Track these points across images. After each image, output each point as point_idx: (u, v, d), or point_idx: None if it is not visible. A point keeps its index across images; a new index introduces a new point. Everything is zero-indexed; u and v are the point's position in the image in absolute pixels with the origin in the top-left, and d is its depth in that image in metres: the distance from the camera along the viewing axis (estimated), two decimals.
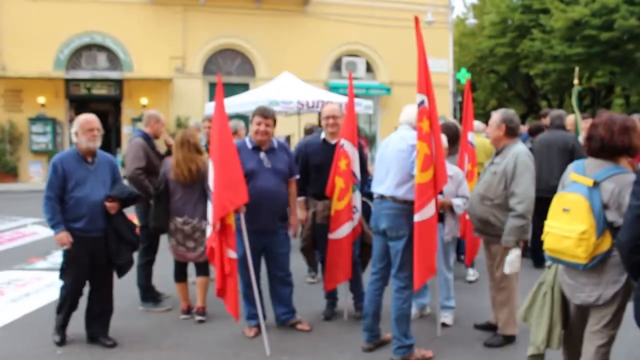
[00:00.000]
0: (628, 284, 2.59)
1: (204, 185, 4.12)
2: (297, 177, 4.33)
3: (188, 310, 4.53)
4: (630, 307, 2.70)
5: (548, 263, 2.89)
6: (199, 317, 4.44)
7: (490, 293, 4.06)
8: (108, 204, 3.85)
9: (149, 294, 4.79)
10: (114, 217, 3.89)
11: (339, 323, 4.37)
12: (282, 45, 17.27)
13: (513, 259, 3.62)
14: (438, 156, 3.45)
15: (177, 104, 16.60)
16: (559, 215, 2.63)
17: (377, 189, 3.71)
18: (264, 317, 3.99)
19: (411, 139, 3.53)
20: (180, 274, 4.55)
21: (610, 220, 2.54)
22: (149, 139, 4.81)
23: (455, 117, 19.07)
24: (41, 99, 15.96)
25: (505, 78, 26.94)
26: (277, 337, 4.01)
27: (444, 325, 4.17)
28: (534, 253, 5.95)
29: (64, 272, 3.89)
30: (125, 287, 5.14)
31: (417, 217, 3.39)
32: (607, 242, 2.54)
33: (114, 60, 16.77)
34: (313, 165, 4.36)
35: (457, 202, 4.14)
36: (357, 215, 4.13)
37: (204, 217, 4.14)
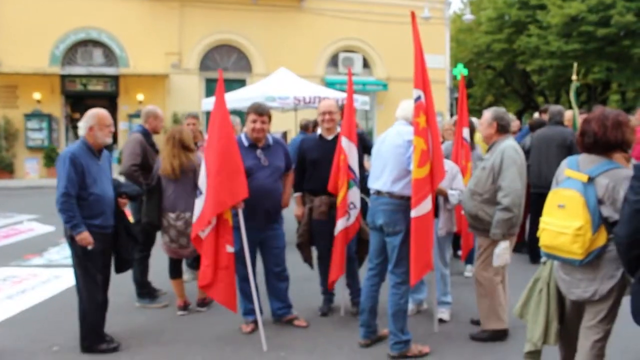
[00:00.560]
0: (623, 279, 2.60)
1: (195, 181, 4.10)
2: (293, 167, 4.35)
3: (184, 307, 4.53)
4: (625, 301, 2.71)
5: (543, 259, 2.89)
6: (200, 309, 4.48)
7: None
8: (122, 201, 3.86)
9: (145, 290, 4.79)
10: (121, 212, 3.89)
11: (336, 319, 4.38)
12: (279, 41, 17.24)
13: (500, 252, 3.63)
14: (435, 151, 3.44)
15: (173, 100, 16.55)
16: (554, 212, 2.63)
17: (373, 184, 3.71)
18: (261, 312, 3.99)
19: (407, 135, 3.52)
20: (175, 271, 4.54)
21: (605, 216, 2.54)
22: (147, 134, 4.79)
23: (451, 113, 19.09)
24: (37, 95, 15.93)
25: (502, 74, 26.97)
26: (274, 332, 4.02)
27: (440, 320, 4.18)
28: (531, 249, 5.96)
29: (86, 272, 3.72)
30: (121, 283, 5.13)
31: (413, 213, 3.39)
32: (602, 238, 2.55)
33: (109, 56, 16.70)
34: (309, 160, 4.35)
35: (452, 191, 4.16)
36: (355, 212, 4.11)
37: None
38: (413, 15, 3.50)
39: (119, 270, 3.97)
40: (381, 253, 3.70)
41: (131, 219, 4.79)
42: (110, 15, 16.15)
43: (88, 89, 16.65)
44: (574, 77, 7.30)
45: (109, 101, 17.18)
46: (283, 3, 17.48)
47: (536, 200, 5.69)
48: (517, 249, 5.34)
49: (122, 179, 4.45)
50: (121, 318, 4.36)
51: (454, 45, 23.85)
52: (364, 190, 4.10)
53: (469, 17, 20.26)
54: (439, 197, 4.10)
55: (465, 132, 4.86)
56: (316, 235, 4.36)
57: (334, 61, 18.43)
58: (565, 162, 2.79)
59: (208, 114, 14.46)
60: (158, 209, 4.34)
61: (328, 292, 4.53)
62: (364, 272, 3.97)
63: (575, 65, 7.72)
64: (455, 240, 5.21)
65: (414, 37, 3.44)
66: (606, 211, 2.54)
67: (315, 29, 17.66)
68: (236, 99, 9.68)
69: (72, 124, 17.40)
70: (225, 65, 17.44)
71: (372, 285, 3.75)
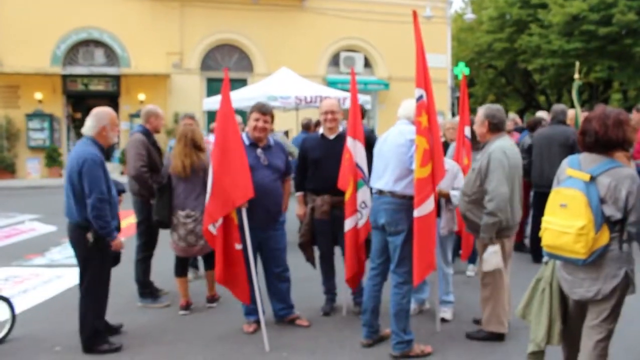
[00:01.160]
0: (626, 278, 2.61)
1: (205, 180, 4.13)
2: (292, 175, 4.36)
3: (187, 306, 4.53)
4: (628, 301, 2.71)
5: (545, 259, 2.88)
6: (209, 305, 4.54)
7: None
8: (119, 199, 3.93)
9: (147, 290, 4.78)
10: None
11: (338, 319, 4.37)
12: (280, 40, 17.24)
13: (487, 257, 3.62)
14: (436, 151, 3.44)
15: (174, 100, 16.57)
16: (557, 211, 2.62)
17: (375, 184, 3.70)
18: (263, 312, 3.98)
19: (409, 134, 3.52)
20: (181, 269, 4.56)
21: (607, 215, 2.54)
22: (149, 134, 4.78)
23: (453, 112, 19.08)
24: (38, 95, 15.95)
25: (504, 73, 26.93)
26: (276, 332, 4.01)
27: (443, 320, 4.17)
28: (533, 248, 5.94)
29: (98, 276, 3.71)
30: (123, 283, 5.14)
31: (416, 213, 3.38)
32: (605, 237, 2.54)
33: (111, 56, 16.73)
34: (311, 160, 4.34)
35: (453, 192, 4.14)
36: (367, 212, 4.00)
37: None
38: (415, 14, 3.49)
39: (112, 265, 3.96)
40: (383, 253, 3.69)
41: (134, 218, 4.81)
42: (112, 15, 16.16)
43: (89, 89, 16.67)
44: (576, 75, 7.28)
45: (111, 101, 17.19)
46: (284, 2, 17.48)
47: (538, 199, 5.68)
48: (517, 248, 5.33)
49: (121, 179, 4.44)
50: (123, 318, 4.35)
51: (455, 44, 23.82)
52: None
53: (470, 16, 20.23)
54: (441, 197, 4.09)
55: (467, 131, 4.86)
56: (318, 234, 4.36)
57: (335, 60, 18.42)
58: (566, 161, 2.78)
59: (209, 113, 14.53)
60: (168, 207, 4.38)
61: (330, 292, 4.53)
62: (366, 272, 3.97)
63: (577, 64, 7.71)
64: (457, 239, 5.20)
65: (415, 36, 3.43)
66: (608, 210, 2.54)
67: (316, 28, 17.65)
68: (237, 99, 9.68)
69: (74, 123, 17.44)
70: (226, 65, 17.43)
71: (374, 285, 3.74)
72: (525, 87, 27.68)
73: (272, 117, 4.10)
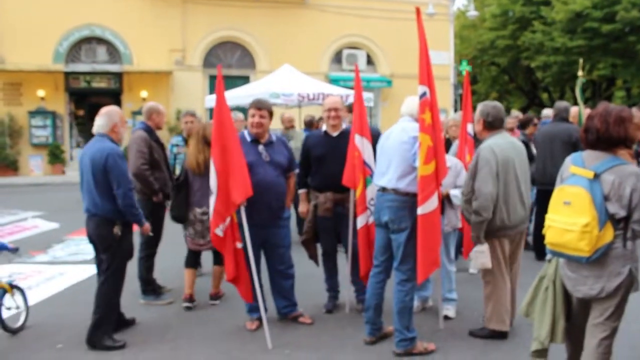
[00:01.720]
0: (631, 276, 2.60)
1: None
2: (296, 171, 4.34)
3: (190, 299, 4.55)
4: (632, 299, 2.71)
5: (548, 257, 2.88)
6: (212, 302, 4.58)
7: None
8: None
9: (150, 287, 4.79)
10: None
11: (341, 316, 4.37)
12: (282, 37, 17.24)
13: (474, 255, 3.62)
14: (438, 148, 3.43)
15: (177, 97, 16.58)
16: (560, 209, 2.61)
17: (379, 181, 3.70)
18: (265, 310, 4.00)
19: (413, 131, 3.52)
20: (191, 261, 4.61)
21: (611, 212, 2.53)
22: (151, 131, 4.78)
23: (455, 109, 19.03)
24: (41, 92, 15.97)
25: (506, 70, 26.86)
26: (279, 330, 4.01)
27: (446, 317, 4.17)
28: (536, 246, 5.93)
29: (121, 268, 3.83)
30: (126, 280, 5.14)
31: (420, 210, 3.38)
32: (609, 234, 2.54)
33: (113, 53, 16.75)
34: (315, 157, 4.33)
35: (454, 192, 4.12)
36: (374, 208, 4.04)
37: None
38: (418, 11, 3.48)
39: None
40: (386, 250, 3.68)
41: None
42: (114, 12, 16.17)
43: (92, 86, 16.72)
44: (579, 73, 7.25)
45: (113, 98, 17.22)
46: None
47: (541, 197, 5.66)
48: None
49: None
50: (126, 313, 4.37)
51: (457, 42, 23.75)
52: None
53: (473, 13, 20.17)
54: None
55: (470, 128, 4.85)
56: (321, 232, 4.36)
57: (337, 58, 18.41)
58: (569, 159, 2.77)
59: (211, 110, 14.54)
60: (185, 204, 4.44)
61: (333, 289, 4.53)
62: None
63: (580, 61, 7.67)
64: (460, 236, 5.19)
65: (419, 34, 3.42)
66: (612, 208, 2.53)
67: (318, 25, 17.63)
68: (240, 96, 9.69)
69: (77, 121, 17.46)
70: (229, 62, 17.45)
71: (377, 283, 3.74)
72: (528, 84, 27.62)
73: (270, 112, 4.09)
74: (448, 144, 5.42)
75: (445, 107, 17.75)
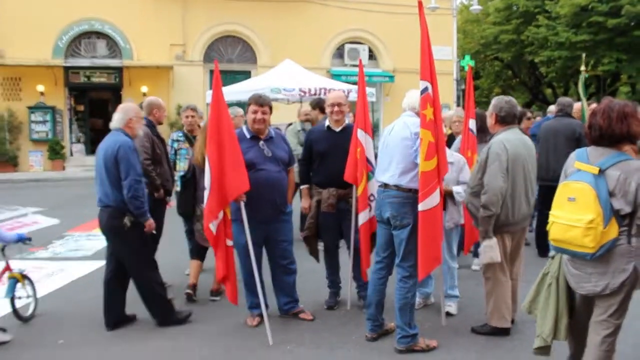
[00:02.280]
0: (635, 273, 2.59)
1: None
2: (295, 165, 4.36)
3: (193, 287, 4.60)
4: (636, 296, 2.70)
5: (552, 253, 2.88)
6: (213, 298, 4.64)
7: None
8: None
9: None
10: None
11: (342, 312, 4.38)
12: (284, 32, 17.22)
13: (482, 249, 3.62)
14: (439, 144, 3.42)
15: (177, 92, 16.59)
16: (565, 205, 2.61)
17: (380, 177, 3.69)
18: (267, 306, 3.99)
19: (414, 127, 3.51)
20: (197, 253, 4.68)
21: (616, 208, 2.52)
22: (152, 126, 4.78)
23: (458, 104, 18.96)
24: (40, 87, 15.98)
25: (510, 65, 26.76)
26: (280, 326, 4.02)
27: (448, 314, 4.17)
28: (539, 242, 5.91)
29: (145, 258, 3.98)
30: (125, 275, 5.12)
31: (421, 206, 3.37)
32: (614, 231, 2.53)
33: (113, 47, 16.74)
34: (317, 152, 4.33)
35: (457, 189, 4.11)
36: (374, 204, 4.02)
37: None
38: (420, 5, 3.45)
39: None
40: (388, 246, 3.67)
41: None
42: (114, 6, 16.18)
43: (92, 81, 16.72)
44: (582, 68, 7.20)
45: (113, 93, 17.21)
46: None
47: (544, 193, 5.62)
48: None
49: None
50: (127, 310, 4.36)
51: (460, 36, 23.70)
52: None
53: (476, 7, 20.07)
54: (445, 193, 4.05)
55: (472, 124, 4.82)
56: (323, 228, 4.36)
57: (339, 53, 18.38)
58: (574, 155, 2.77)
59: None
60: (192, 200, 4.52)
61: (334, 286, 4.52)
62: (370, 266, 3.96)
63: (583, 56, 7.62)
64: (462, 233, 5.16)
65: (421, 28, 3.39)
66: (617, 204, 2.52)
67: (320, 20, 17.60)
68: (241, 91, 9.66)
69: (76, 116, 17.46)
70: (230, 57, 17.43)
71: (379, 279, 3.73)
72: (531, 80, 27.52)
73: (270, 108, 4.08)
74: (452, 139, 5.38)
75: (448, 102, 17.69)
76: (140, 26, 16.31)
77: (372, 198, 4.03)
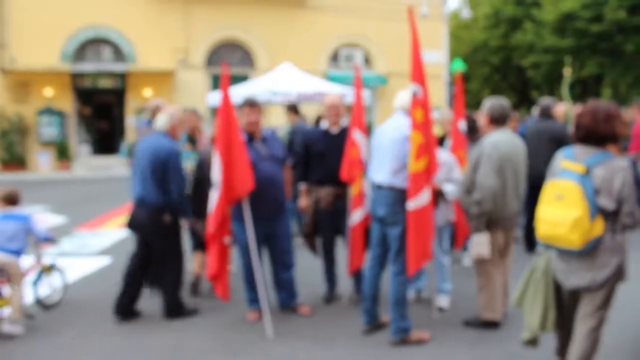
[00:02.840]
0: (619, 267, 2.68)
1: None
2: (290, 162, 4.47)
3: (198, 279, 4.73)
4: (621, 289, 2.82)
5: (540, 249, 2.98)
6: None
7: None
8: None
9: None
10: None
11: (339, 306, 4.46)
12: (283, 37, 17.47)
13: (473, 245, 3.71)
14: (430, 145, 3.51)
15: (180, 96, 16.71)
16: (552, 202, 2.67)
17: (374, 177, 3.77)
18: (266, 300, 4.05)
19: (406, 128, 3.59)
20: (201, 245, 4.69)
21: (602, 206, 2.60)
22: None
23: (450, 107, 19.16)
24: (48, 92, 16.09)
25: (498, 69, 27.07)
26: (279, 320, 4.09)
27: (440, 309, 4.26)
28: (526, 238, 6.01)
29: (177, 249, 4.22)
30: None
31: (410, 205, 3.46)
32: (599, 227, 2.61)
33: (118, 53, 16.85)
34: (315, 153, 4.42)
35: (448, 188, 4.14)
36: (366, 201, 4.14)
37: None
38: (410, 10, 3.57)
39: None
40: (382, 243, 3.77)
41: None
42: (119, 13, 16.31)
43: (97, 86, 16.78)
44: (566, 69, 7.38)
45: (117, 97, 17.39)
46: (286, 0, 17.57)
47: (529, 192, 5.77)
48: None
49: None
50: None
51: (452, 41, 23.94)
52: None
53: (466, 12, 20.34)
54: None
55: (462, 124, 4.98)
56: (321, 225, 4.46)
57: (335, 56, 18.57)
58: (561, 153, 2.83)
59: (213, 109, 14.64)
60: (203, 200, 4.52)
61: (331, 280, 4.61)
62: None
63: (567, 59, 7.81)
64: (454, 229, 5.29)
65: (411, 32, 3.51)
66: (603, 201, 2.60)
67: (317, 25, 17.81)
68: (239, 94, 9.75)
69: (83, 119, 17.59)
70: (230, 61, 17.54)
71: (373, 274, 3.83)
72: (519, 83, 27.84)
73: (260, 109, 4.20)
74: (444, 139, 5.51)
75: (439, 105, 17.91)
76: (144, 32, 16.45)
77: (366, 196, 4.12)
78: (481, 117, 3.93)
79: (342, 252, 4.68)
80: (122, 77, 16.68)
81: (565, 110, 6.74)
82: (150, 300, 4.64)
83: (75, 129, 16.84)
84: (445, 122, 5.65)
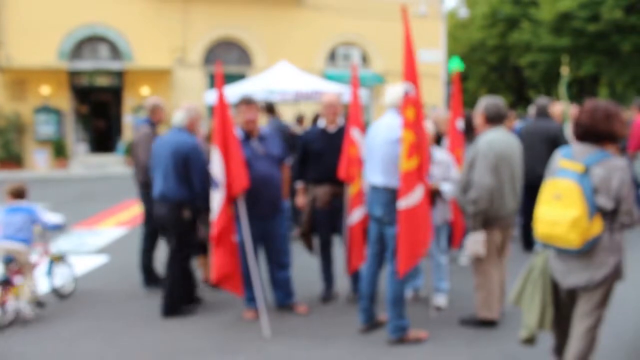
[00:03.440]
0: (617, 267, 2.68)
1: None
2: (289, 161, 4.46)
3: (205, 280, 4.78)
4: (618, 289, 2.82)
5: (538, 248, 2.98)
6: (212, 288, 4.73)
7: None
8: None
9: (152, 278, 4.89)
10: None
11: (336, 305, 4.46)
12: (280, 36, 17.46)
13: (469, 243, 3.72)
14: (422, 143, 3.50)
15: (177, 94, 16.70)
16: (551, 202, 2.67)
17: (370, 177, 3.77)
18: (264, 299, 4.07)
19: (399, 129, 3.56)
20: (204, 249, 4.75)
21: (600, 205, 2.60)
22: (154, 126, 4.90)
23: (448, 106, 19.21)
24: (45, 90, 16.06)
25: (496, 69, 27.15)
26: (276, 319, 4.10)
27: (437, 308, 4.27)
28: (523, 237, 6.03)
29: (191, 245, 4.29)
30: (128, 271, 5.24)
31: (402, 204, 3.45)
32: (598, 226, 2.61)
33: (115, 51, 16.84)
34: (313, 152, 4.42)
35: (445, 187, 4.16)
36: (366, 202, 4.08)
37: None
38: (404, 11, 3.57)
39: None
40: (380, 241, 3.78)
41: (140, 208, 4.92)
42: (116, 11, 16.28)
43: (94, 84, 16.76)
44: (563, 69, 7.40)
45: (115, 95, 17.36)
46: None
47: (525, 191, 5.80)
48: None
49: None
50: (128, 305, 4.48)
51: (449, 40, 24.00)
52: None
53: (464, 11, 20.40)
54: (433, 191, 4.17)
55: (460, 123, 4.98)
56: (318, 223, 4.46)
57: (332, 55, 18.59)
58: (560, 153, 2.84)
59: (211, 107, 14.65)
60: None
61: (328, 279, 4.62)
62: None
63: (564, 59, 7.85)
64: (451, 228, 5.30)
65: (404, 32, 3.52)
66: (601, 200, 2.60)
67: (314, 24, 17.82)
68: (236, 93, 9.75)
69: (80, 117, 17.58)
70: (227, 60, 17.54)
71: (371, 273, 3.84)
72: (516, 82, 27.93)
73: (257, 107, 4.21)
74: (441, 138, 5.52)
75: (437, 104, 17.95)
76: (141, 30, 16.41)
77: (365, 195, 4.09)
78: (476, 117, 3.94)
79: (339, 251, 4.68)
80: (120, 75, 16.65)
81: (562, 109, 6.76)
82: (146, 299, 4.64)
83: (72, 127, 16.82)
84: (442, 121, 5.66)
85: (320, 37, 18.07)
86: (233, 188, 3.83)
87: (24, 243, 4.22)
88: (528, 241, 5.93)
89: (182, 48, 16.96)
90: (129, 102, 16.54)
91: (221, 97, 3.87)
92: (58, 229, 4.57)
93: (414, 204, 3.45)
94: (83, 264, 5.75)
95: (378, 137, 3.72)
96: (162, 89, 16.48)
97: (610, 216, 2.65)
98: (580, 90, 24.12)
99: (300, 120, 8.57)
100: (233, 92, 9.89)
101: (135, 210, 8.06)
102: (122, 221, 8.26)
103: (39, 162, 16.03)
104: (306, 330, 3.95)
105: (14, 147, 15.77)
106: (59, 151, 16.01)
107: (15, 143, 15.82)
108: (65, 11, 15.86)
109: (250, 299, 4.16)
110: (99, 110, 17.75)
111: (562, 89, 7.30)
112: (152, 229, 4.83)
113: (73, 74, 16.34)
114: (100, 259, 6.03)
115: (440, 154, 4.28)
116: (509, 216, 3.84)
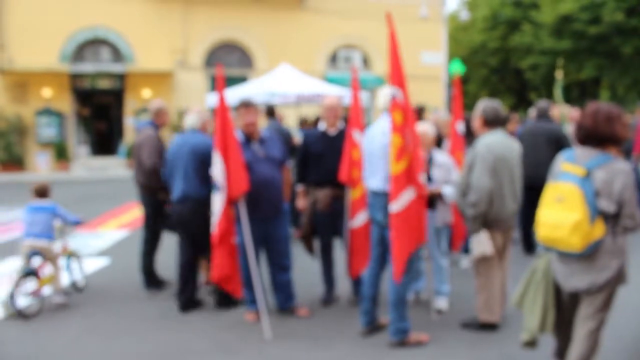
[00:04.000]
0: (619, 270, 2.68)
1: None
2: (290, 163, 4.47)
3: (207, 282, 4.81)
4: (620, 291, 2.81)
5: (540, 251, 2.97)
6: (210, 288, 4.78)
7: None
8: None
9: (153, 280, 4.89)
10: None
11: (337, 308, 4.46)
12: (281, 39, 17.53)
13: (474, 245, 3.72)
14: (412, 145, 3.48)
15: (178, 97, 16.75)
16: (553, 205, 2.67)
17: (369, 182, 3.78)
18: (265, 302, 4.08)
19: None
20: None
21: (602, 208, 2.60)
22: (158, 129, 4.90)
23: (449, 108, 19.24)
24: (47, 93, 16.12)
25: (497, 71, 27.17)
26: (277, 321, 4.10)
27: (438, 310, 4.27)
28: (525, 240, 6.03)
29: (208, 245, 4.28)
30: (129, 272, 5.24)
31: (393, 208, 3.44)
32: (600, 230, 2.60)
33: (116, 54, 16.89)
34: (314, 154, 4.42)
35: (446, 190, 4.17)
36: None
37: None
38: (389, 16, 3.56)
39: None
40: (381, 244, 3.78)
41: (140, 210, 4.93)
42: (118, 14, 16.35)
43: (96, 86, 16.81)
44: (558, 74, 7.43)
45: (116, 98, 17.42)
46: (285, 1, 17.59)
47: (526, 193, 5.79)
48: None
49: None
50: (129, 307, 4.49)
51: (450, 43, 24.04)
52: None
53: (464, 14, 20.44)
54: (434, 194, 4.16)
55: (460, 126, 4.99)
56: (319, 226, 4.47)
57: (333, 58, 18.63)
58: (562, 156, 2.83)
59: (211, 110, 14.70)
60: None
61: (329, 282, 4.62)
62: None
63: (559, 63, 7.88)
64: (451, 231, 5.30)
65: (390, 37, 3.50)
66: (603, 204, 2.60)
67: (315, 26, 17.87)
68: (238, 96, 9.76)
69: (82, 119, 17.65)
70: (228, 63, 17.60)
71: (372, 275, 3.84)
72: (517, 84, 27.94)
73: (256, 110, 4.21)
74: (441, 141, 5.53)
75: (438, 106, 17.97)
76: (143, 33, 16.48)
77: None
78: (475, 120, 3.94)
79: (339, 253, 4.68)
80: (121, 77, 16.71)
81: (559, 112, 6.77)
82: (148, 301, 4.64)
83: (73, 129, 16.88)
84: (443, 124, 5.67)
85: (321, 40, 18.13)
86: (233, 191, 3.84)
87: (49, 239, 4.49)
88: (529, 244, 5.92)
89: (183, 50, 17.03)
90: (130, 104, 16.61)
91: (222, 100, 3.88)
92: (78, 223, 4.78)
93: (405, 206, 3.44)
94: (87, 265, 5.75)
95: (375, 142, 3.72)
96: (164, 91, 16.56)
97: (612, 219, 2.64)
98: (581, 93, 24.14)
99: (303, 123, 8.59)
100: (234, 94, 9.90)
101: (136, 212, 8.07)
102: (124, 223, 8.27)
103: (41, 164, 16.11)
104: (307, 332, 3.95)
105: (16, 150, 15.86)
106: (61, 154, 16.10)
107: (16, 145, 15.90)
108: (66, 14, 15.95)
109: (251, 301, 4.16)
110: (100, 112, 17.83)
111: (558, 92, 7.32)
112: (153, 232, 4.83)
113: (75, 77, 16.41)
114: (102, 261, 6.04)
115: (441, 157, 4.29)
116: (509, 218, 3.84)
